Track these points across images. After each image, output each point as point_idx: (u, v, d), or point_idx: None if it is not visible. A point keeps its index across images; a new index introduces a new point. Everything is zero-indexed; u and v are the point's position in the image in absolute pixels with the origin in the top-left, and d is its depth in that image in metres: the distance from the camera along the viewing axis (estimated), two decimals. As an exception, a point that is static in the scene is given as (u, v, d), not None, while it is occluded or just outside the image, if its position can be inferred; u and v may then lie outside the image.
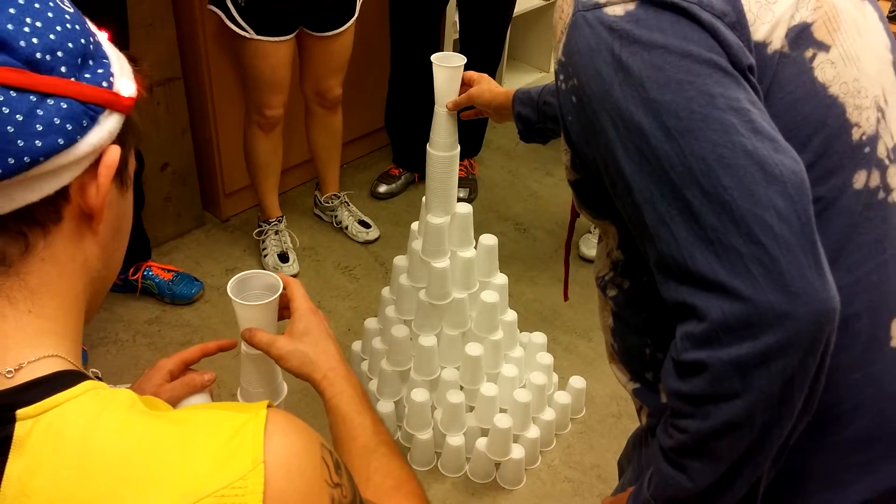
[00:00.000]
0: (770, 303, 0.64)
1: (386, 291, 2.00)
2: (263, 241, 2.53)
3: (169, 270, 2.37)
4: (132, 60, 0.59)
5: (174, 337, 2.26)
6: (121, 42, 0.60)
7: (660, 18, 0.68)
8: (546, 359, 2.01)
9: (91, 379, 0.54)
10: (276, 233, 2.52)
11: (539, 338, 2.07)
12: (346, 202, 2.68)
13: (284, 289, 0.93)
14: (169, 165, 2.46)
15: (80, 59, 0.53)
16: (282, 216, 2.54)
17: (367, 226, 2.66)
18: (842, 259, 0.74)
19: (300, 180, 2.86)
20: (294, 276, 2.46)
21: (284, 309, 0.94)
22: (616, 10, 0.69)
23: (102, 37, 0.58)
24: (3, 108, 0.49)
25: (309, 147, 2.57)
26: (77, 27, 0.54)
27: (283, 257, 2.48)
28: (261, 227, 2.54)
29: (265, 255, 2.50)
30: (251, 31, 2.10)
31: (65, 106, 0.52)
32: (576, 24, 0.71)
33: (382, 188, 2.87)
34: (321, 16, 2.20)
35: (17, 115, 0.50)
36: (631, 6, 0.68)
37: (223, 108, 2.46)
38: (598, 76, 0.69)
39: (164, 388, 0.87)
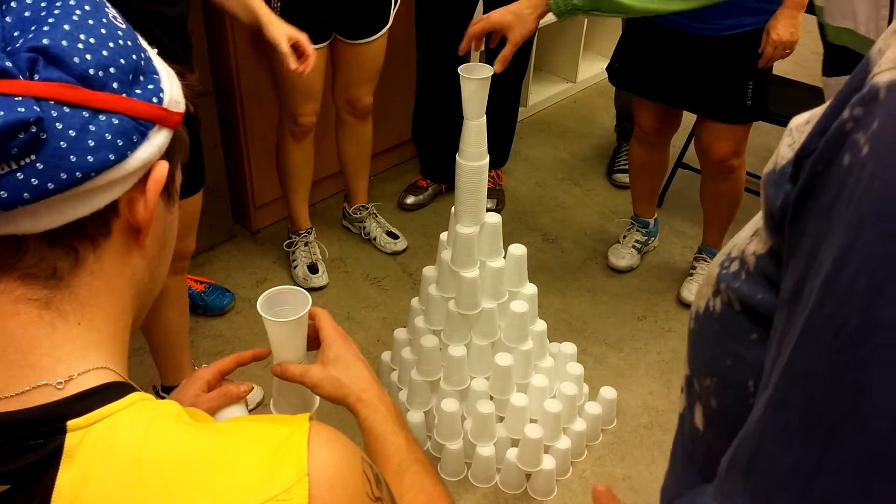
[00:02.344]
0: None
1: (415, 302, 2.01)
2: (293, 253, 2.55)
3: (201, 282, 2.40)
4: (180, 75, 0.60)
5: (206, 347, 2.29)
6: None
7: None
8: (576, 369, 2.01)
9: (138, 391, 0.55)
10: (306, 244, 2.54)
11: (569, 348, 2.06)
12: (374, 213, 2.70)
13: (312, 319, 0.95)
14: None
15: (131, 75, 0.54)
16: (311, 228, 2.57)
17: (394, 237, 2.67)
18: None
19: (329, 192, 2.88)
20: (323, 287, 2.48)
21: (314, 339, 0.96)
22: None
23: (152, 52, 0.59)
24: (57, 124, 0.50)
25: (338, 158, 2.59)
26: (129, 43, 0.55)
27: (313, 269, 2.50)
28: (290, 238, 2.56)
29: (295, 267, 2.52)
30: (285, 41, 2.13)
31: (116, 122, 0.52)
32: None
33: (410, 199, 2.88)
34: (354, 23, 2.23)
35: (70, 131, 0.50)
36: None
37: (253, 122, 2.49)
38: (864, 221, 0.41)
39: (201, 399, 0.89)
